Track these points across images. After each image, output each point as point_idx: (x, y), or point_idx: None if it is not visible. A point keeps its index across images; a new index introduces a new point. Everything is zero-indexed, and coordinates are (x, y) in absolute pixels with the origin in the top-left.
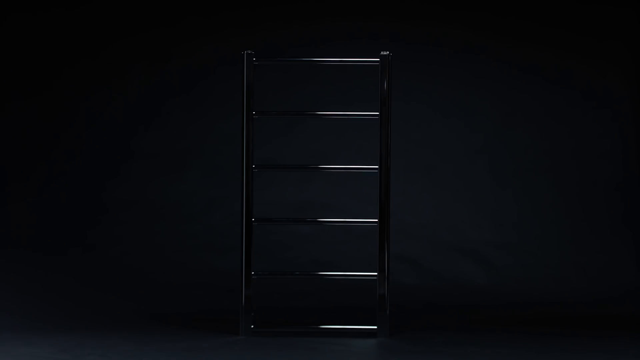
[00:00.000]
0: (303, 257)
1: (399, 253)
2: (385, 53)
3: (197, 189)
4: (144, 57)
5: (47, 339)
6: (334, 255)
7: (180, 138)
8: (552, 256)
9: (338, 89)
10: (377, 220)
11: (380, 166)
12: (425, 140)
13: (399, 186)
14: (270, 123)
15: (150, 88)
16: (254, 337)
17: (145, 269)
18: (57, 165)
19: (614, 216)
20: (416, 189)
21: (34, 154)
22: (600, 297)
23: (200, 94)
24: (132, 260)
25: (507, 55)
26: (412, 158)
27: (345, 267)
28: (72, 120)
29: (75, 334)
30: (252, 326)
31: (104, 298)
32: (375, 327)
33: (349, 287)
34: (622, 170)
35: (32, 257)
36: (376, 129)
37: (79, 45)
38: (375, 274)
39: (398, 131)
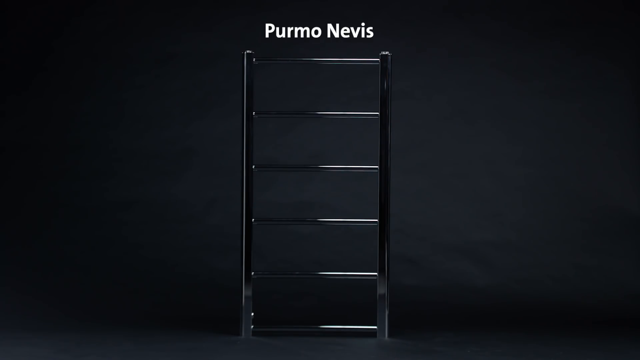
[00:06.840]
0: (303, 257)
1: (399, 253)
2: (385, 53)
3: (197, 189)
4: (144, 57)
5: (47, 339)
6: (334, 255)
7: (180, 138)
8: (552, 256)
9: (338, 89)
10: (377, 220)
11: (380, 166)
12: (425, 140)
13: (399, 186)
14: (270, 123)
15: (150, 88)
16: (254, 337)
17: (145, 268)
18: (56, 165)
19: (614, 216)
20: (416, 189)
21: (33, 154)
22: (600, 297)
23: (200, 93)
24: (131, 260)
25: (508, 56)
26: (412, 158)
27: (345, 267)
28: (72, 120)
29: (75, 334)
30: (252, 326)
31: (104, 298)
32: (375, 327)
33: (349, 287)
34: (622, 170)
35: (31, 257)
36: (376, 129)
37: (79, 44)
38: (375, 274)
39: (398, 131)
